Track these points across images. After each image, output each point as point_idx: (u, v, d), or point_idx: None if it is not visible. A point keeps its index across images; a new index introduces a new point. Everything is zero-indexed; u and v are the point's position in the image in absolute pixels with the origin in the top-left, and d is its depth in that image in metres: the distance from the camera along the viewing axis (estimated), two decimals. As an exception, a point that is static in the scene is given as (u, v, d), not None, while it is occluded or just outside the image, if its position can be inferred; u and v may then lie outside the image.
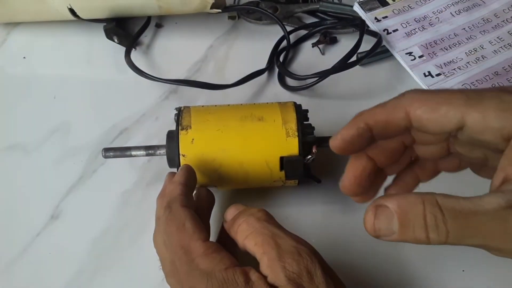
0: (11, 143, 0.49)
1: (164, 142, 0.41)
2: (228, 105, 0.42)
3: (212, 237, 0.38)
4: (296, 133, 0.38)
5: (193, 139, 0.39)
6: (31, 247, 0.42)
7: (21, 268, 0.41)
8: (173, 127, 0.40)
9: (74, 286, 0.40)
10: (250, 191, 0.44)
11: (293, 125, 0.39)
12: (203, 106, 0.42)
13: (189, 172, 0.37)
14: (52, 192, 0.45)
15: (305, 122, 0.40)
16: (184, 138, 0.39)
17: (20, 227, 0.43)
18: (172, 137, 0.40)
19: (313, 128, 0.41)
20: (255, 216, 0.32)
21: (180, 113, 0.40)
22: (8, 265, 0.41)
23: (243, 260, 0.32)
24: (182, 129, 0.39)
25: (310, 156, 0.39)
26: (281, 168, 0.39)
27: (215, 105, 0.42)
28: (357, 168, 0.31)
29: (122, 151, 0.42)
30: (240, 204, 0.35)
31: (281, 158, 0.39)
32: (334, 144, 0.31)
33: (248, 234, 0.31)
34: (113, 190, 0.45)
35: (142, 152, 0.41)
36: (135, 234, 0.42)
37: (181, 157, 0.39)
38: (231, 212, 0.35)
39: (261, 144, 0.39)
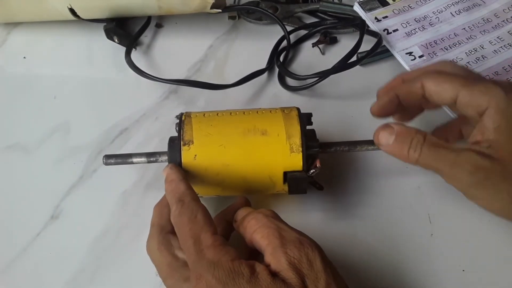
0: (11, 143, 0.49)
1: (164, 142, 0.40)
2: (230, 113, 0.41)
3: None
4: (300, 148, 0.38)
5: (195, 156, 0.38)
6: (31, 247, 0.42)
7: (21, 268, 0.41)
8: (174, 127, 0.40)
9: (74, 286, 0.40)
10: (251, 198, 0.43)
11: (297, 139, 0.38)
12: (204, 115, 0.40)
13: (180, 169, 0.38)
14: (52, 192, 0.45)
15: (308, 127, 0.40)
16: (186, 155, 0.38)
17: (20, 227, 0.43)
18: (174, 149, 0.39)
19: (317, 140, 0.40)
20: (263, 213, 0.34)
21: (181, 123, 0.39)
22: (8, 265, 0.41)
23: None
24: (184, 144, 0.38)
25: (313, 170, 0.39)
26: (285, 181, 0.39)
27: (217, 113, 0.41)
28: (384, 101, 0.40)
29: (123, 158, 0.41)
30: (250, 207, 0.38)
31: (285, 173, 0.38)
32: (373, 109, 0.40)
33: (256, 229, 0.33)
34: (113, 190, 0.45)
35: (144, 159, 0.41)
36: (135, 234, 0.42)
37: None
38: (241, 213, 0.36)
39: (264, 159, 0.38)
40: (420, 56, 0.52)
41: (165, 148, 0.40)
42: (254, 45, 0.56)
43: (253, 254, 0.34)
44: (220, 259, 0.30)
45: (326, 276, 0.30)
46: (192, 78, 0.53)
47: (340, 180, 0.45)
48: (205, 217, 0.33)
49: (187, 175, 0.38)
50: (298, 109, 0.40)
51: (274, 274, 0.30)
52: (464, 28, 0.54)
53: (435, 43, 0.53)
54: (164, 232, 0.37)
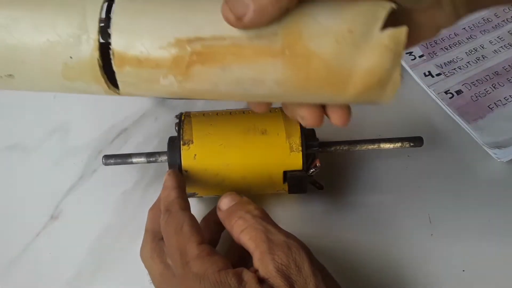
0: (11, 143, 0.49)
1: (164, 143, 0.40)
2: (230, 112, 0.40)
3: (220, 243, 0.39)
4: (300, 148, 0.38)
5: (195, 155, 0.38)
6: (31, 247, 0.42)
7: (21, 268, 0.41)
8: (173, 127, 0.40)
9: (74, 286, 0.40)
10: (251, 197, 0.43)
11: (297, 139, 0.38)
12: (204, 114, 0.40)
13: (178, 175, 0.37)
14: (52, 192, 0.45)
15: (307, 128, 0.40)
16: (186, 154, 0.38)
17: (20, 227, 0.43)
18: (174, 148, 0.39)
19: (317, 139, 0.40)
20: (251, 213, 0.33)
21: (181, 123, 0.39)
22: (8, 265, 0.41)
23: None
24: (184, 144, 0.38)
25: (313, 169, 0.39)
26: (284, 180, 0.39)
27: (217, 113, 0.40)
28: None
29: (122, 158, 0.41)
30: (235, 193, 0.36)
31: (285, 172, 0.38)
32: None
33: (243, 229, 0.33)
34: (113, 190, 0.45)
35: (143, 159, 0.41)
36: (135, 234, 0.42)
37: (183, 172, 0.38)
38: (226, 202, 0.35)
39: (264, 159, 0.38)
40: (420, 56, 0.52)
41: (164, 148, 0.40)
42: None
43: (244, 250, 0.34)
44: (206, 271, 0.30)
45: (315, 279, 0.30)
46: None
47: (340, 180, 0.45)
48: (192, 228, 0.33)
49: (187, 175, 0.38)
50: None
51: (262, 281, 0.30)
52: (464, 28, 0.54)
53: (435, 42, 0.53)
54: (157, 239, 0.36)
